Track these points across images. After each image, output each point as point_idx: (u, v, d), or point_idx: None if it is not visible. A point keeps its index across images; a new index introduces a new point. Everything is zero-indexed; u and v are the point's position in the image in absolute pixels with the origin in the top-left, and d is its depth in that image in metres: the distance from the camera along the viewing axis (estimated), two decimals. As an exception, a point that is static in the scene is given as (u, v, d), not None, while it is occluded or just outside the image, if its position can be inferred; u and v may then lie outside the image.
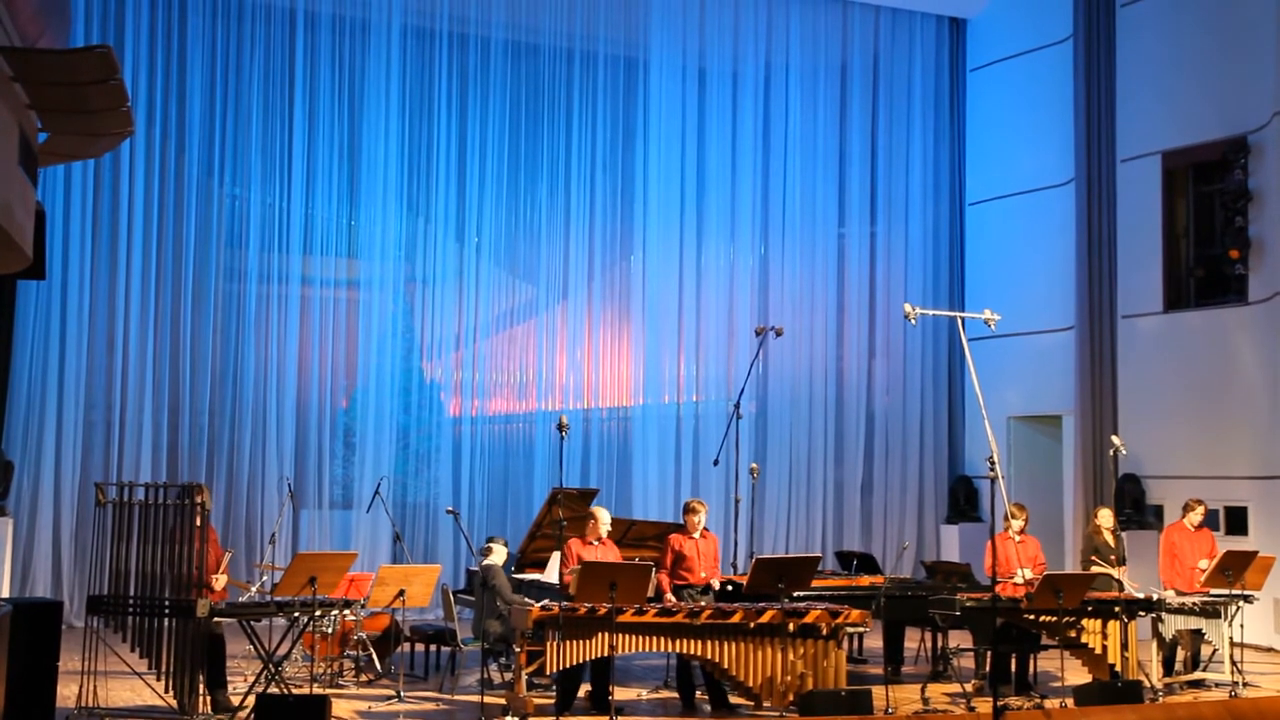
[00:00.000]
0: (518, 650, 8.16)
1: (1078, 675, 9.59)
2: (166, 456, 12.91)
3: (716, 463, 11.99)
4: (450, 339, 14.15)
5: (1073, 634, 9.17)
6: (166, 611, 7.93)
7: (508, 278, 14.46)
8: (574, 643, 7.90)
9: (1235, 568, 9.73)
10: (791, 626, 8.30)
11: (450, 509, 11.72)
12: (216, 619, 8.00)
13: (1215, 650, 9.98)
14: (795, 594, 8.72)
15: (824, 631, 8.38)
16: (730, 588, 9.30)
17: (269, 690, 7.94)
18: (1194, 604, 9.65)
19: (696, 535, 9.19)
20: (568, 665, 7.96)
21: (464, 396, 14.08)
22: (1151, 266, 13.82)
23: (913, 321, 9.62)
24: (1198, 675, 10.09)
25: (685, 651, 8.28)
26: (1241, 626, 9.63)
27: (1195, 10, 13.56)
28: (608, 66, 14.82)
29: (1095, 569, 10.13)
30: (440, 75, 14.13)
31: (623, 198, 14.85)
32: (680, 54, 15.08)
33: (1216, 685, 9.89)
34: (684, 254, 15.03)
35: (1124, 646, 9.23)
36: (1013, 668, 9.47)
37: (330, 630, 9.38)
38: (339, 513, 13.59)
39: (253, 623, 8.35)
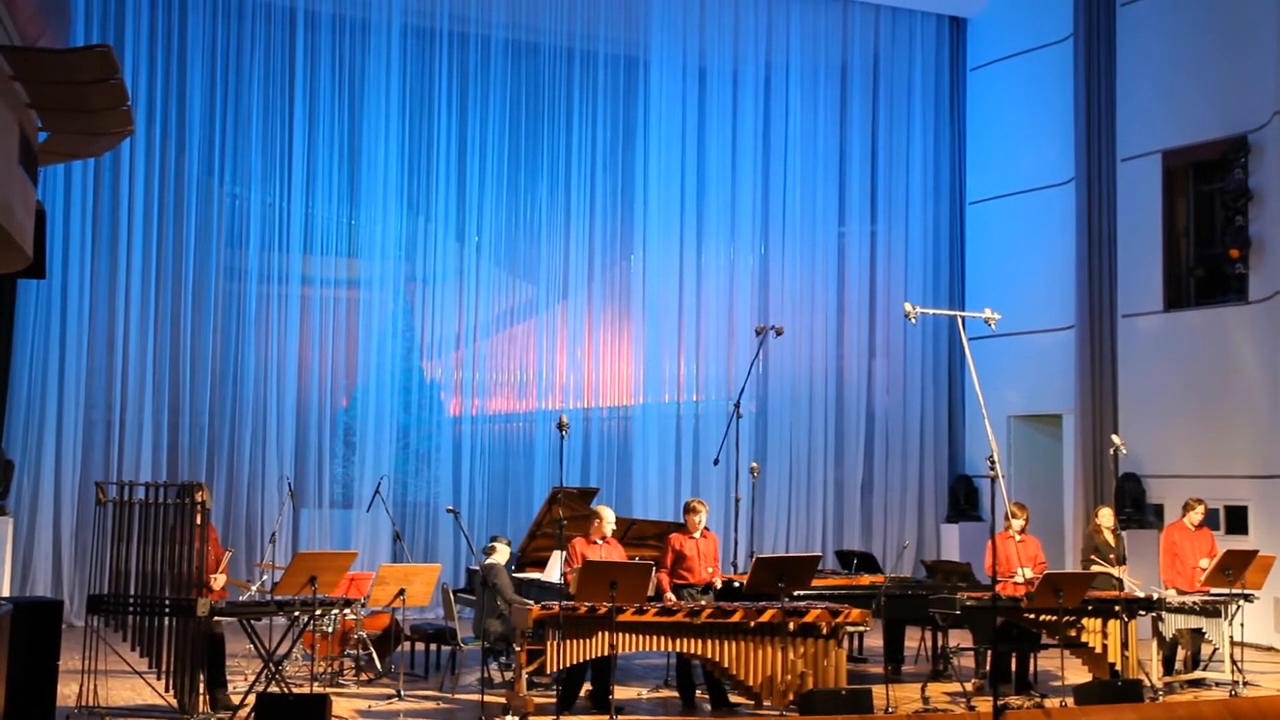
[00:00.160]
0: (518, 649, 8.15)
1: (1078, 674, 9.59)
2: (167, 456, 12.91)
3: (717, 462, 11.99)
4: (450, 338, 14.15)
5: (1073, 633, 9.16)
6: (167, 611, 7.93)
7: (508, 277, 14.46)
8: (574, 642, 7.90)
9: (1235, 567, 9.73)
10: (792, 626, 8.30)
11: (450, 508, 11.72)
12: (217, 618, 8.00)
13: (1215, 649, 9.98)
14: (795, 593, 8.71)
15: (824, 631, 8.38)
16: (737, 584, 9.30)
17: (269, 689, 7.94)
18: (1194, 603, 9.65)
19: (697, 535, 9.19)
20: (568, 664, 7.96)
21: (464, 396, 14.08)
22: (1152, 265, 13.82)
23: (913, 320, 9.62)
24: (1198, 674, 10.09)
25: (685, 651, 8.28)
26: (1242, 625, 9.63)
27: (1195, 9, 13.56)
28: (608, 66, 14.82)
29: (1095, 568, 10.13)
30: (440, 75, 14.12)
31: (623, 197, 14.85)
32: (680, 53, 15.08)
33: (1217, 684, 9.88)
34: (684, 253, 15.03)
35: (1124, 646, 9.23)
36: (1013, 667, 9.46)
37: (330, 629, 9.38)
38: (339, 512, 13.60)
39: (253, 622, 8.34)
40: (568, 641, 7.86)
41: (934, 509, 15.77)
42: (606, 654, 7.95)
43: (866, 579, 10.53)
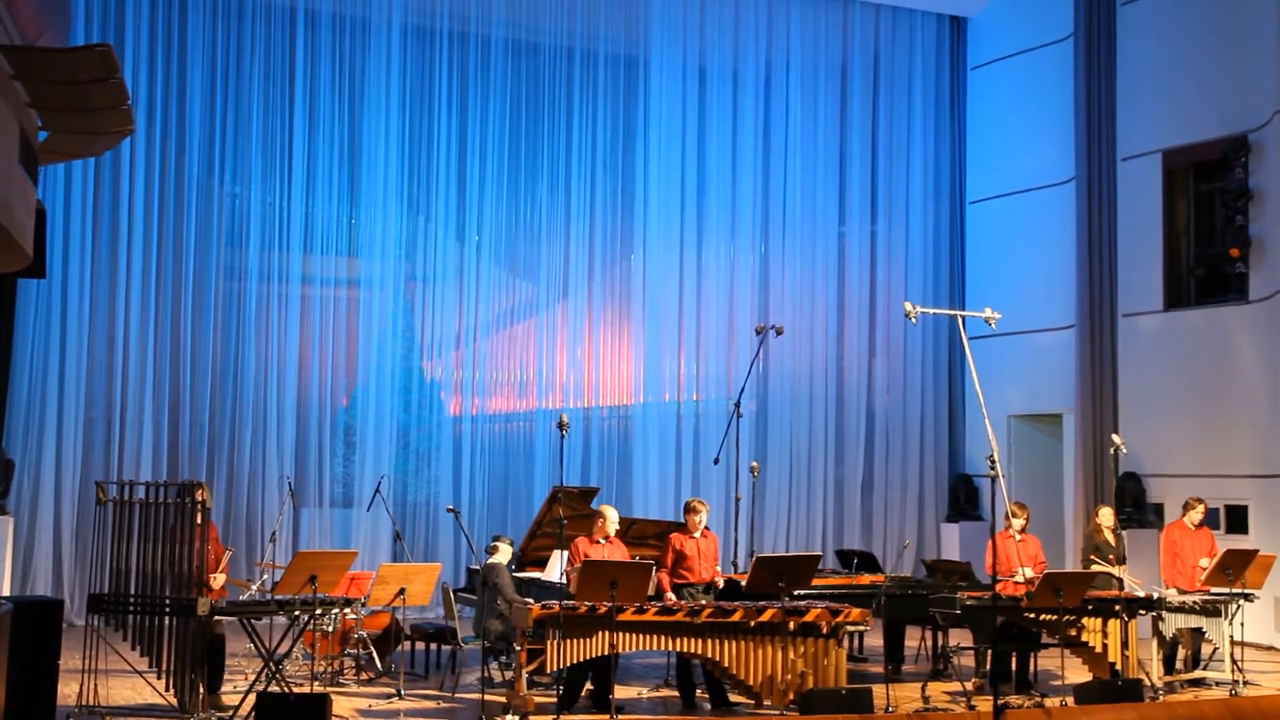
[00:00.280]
0: (518, 649, 8.16)
1: (1078, 674, 9.59)
2: (167, 455, 12.91)
3: (717, 461, 11.99)
4: (450, 338, 14.15)
5: (1073, 632, 9.17)
6: (167, 610, 7.92)
7: (508, 276, 14.46)
8: (574, 641, 7.90)
9: (1236, 566, 9.73)
10: (792, 625, 8.30)
11: (451, 508, 11.69)
12: (217, 617, 8.00)
13: (1216, 649, 9.98)
14: (796, 592, 8.71)
15: (824, 630, 8.38)
16: (743, 584, 9.29)
17: (270, 688, 7.94)
18: (1194, 602, 9.65)
19: (697, 535, 9.20)
20: (568, 664, 7.96)
21: (464, 395, 14.08)
22: (1152, 265, 13.82)
23: (913, 320, 9.62)
24: (1198, 674, 10.09)
25: (685, 650, 8.28)
26: (1242, 625, 9.63)
27: (1195, 9, 13.56)
28: (608, 65, 14.82)
29: (1096, 568, 10.13)
30: (440, 74, 14.12)
31: (623, 197, 14.85)
32: (680, 53, 15.08)
33: (1217, 684, 9.88)
34: (684, 253, 15.03)
35: (1124, 645, 9.23)
36: (1013, 666, 9.47)
37: (331, 629, 9.38)
38: (339, 511, 13.60)
39: (253, 621, 8.34)
40: (568, 641, 7.86)
41: (934, 508, 15.77)
42: (607, 653, 7.95)
43: (867, 578, 10.52)
